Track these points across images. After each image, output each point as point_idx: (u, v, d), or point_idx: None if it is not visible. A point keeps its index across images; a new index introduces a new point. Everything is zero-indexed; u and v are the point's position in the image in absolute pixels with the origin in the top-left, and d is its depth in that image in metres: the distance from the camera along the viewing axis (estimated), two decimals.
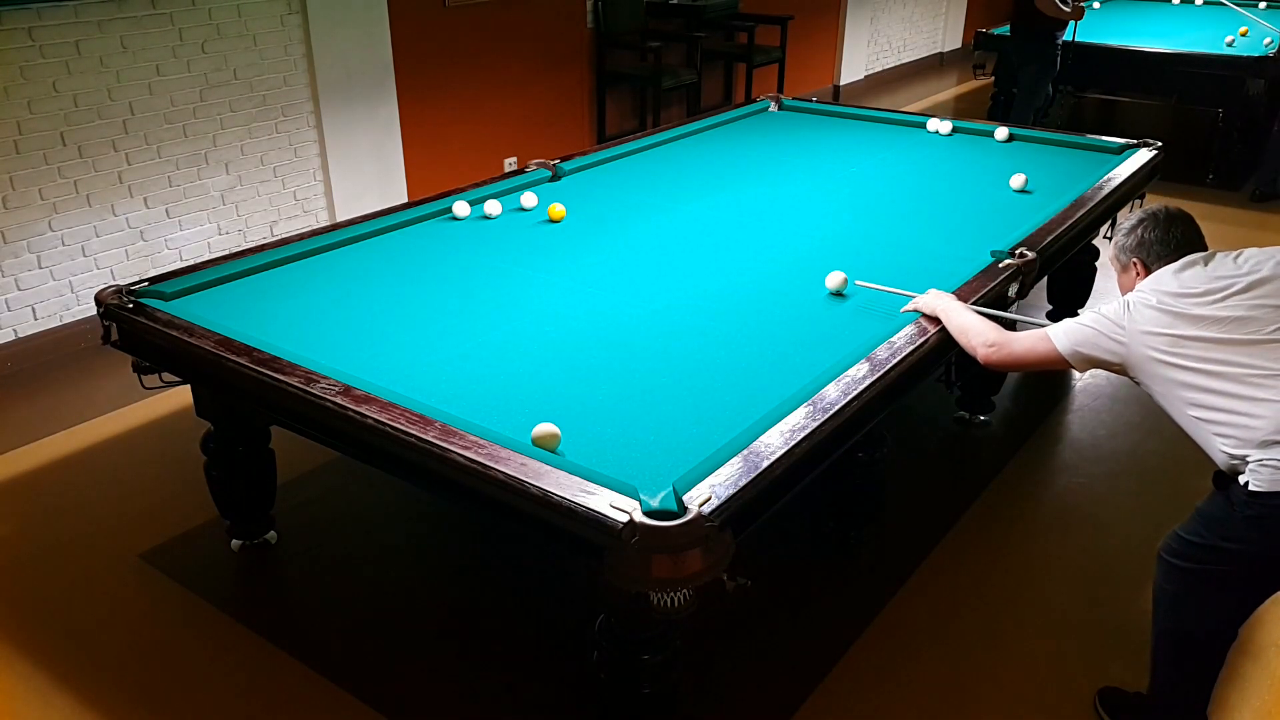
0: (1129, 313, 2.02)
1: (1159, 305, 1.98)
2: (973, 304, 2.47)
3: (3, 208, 3.74)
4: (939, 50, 9.87)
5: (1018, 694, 2.38)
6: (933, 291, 2.49)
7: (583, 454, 1.89)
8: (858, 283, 2.63)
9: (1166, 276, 2.04)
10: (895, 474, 2.71)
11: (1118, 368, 2.05)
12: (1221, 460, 1.91)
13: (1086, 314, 2.12)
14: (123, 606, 2.67)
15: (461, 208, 3.25)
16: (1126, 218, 2.24)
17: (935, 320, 2.40)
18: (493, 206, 3.27)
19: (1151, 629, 2.15)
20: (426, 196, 3.40)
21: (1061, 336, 2.12)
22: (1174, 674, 2.15)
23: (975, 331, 2.30)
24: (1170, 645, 2.12)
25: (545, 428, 1.89)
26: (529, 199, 3.33)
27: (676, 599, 1.64)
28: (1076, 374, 3.89)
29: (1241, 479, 1.86)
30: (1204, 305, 1.94)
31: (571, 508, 1.68)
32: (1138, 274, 2.14)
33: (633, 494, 1.69)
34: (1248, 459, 1.84)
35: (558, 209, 3.22)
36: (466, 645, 2.51)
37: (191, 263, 3.26)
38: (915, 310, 2.46)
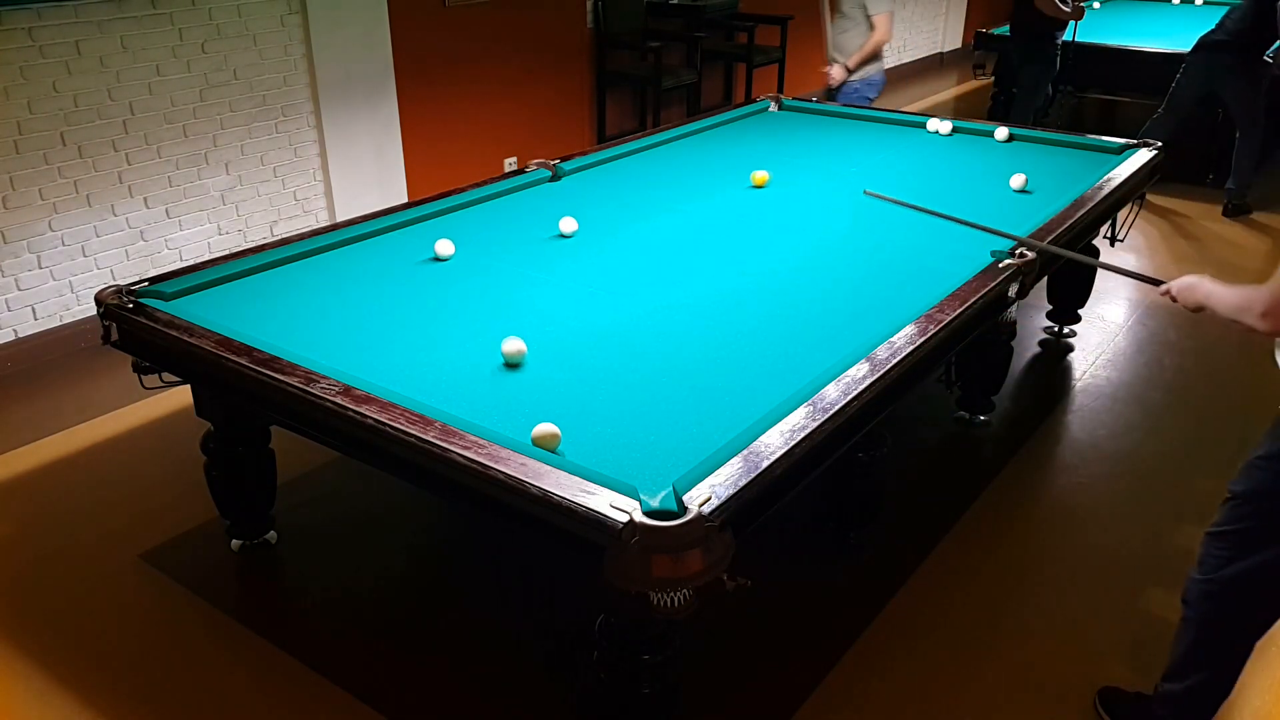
0: None
1: None
2: (972, 304, 2.46)
3: (3, 208, 3.75)
4: (939, 50, 9.87)
5: (1018, 694, 2.38)
6: (1190, 276, 2.10)
7: (583, 454, 1.89)
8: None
9: None
10: (895, 474, 2.71)
11: None
12: None
13: None
14: (123, 607, 2.67)
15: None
16: None
17: (939, 319, 2.35)
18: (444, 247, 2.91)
19: (1182, 632, 2.10)
20: (426, 196, 3.40)
21: None
22: (1205, 670, 2.09)
23: (1242, 307, 1.89)
24: (1209, 636, 2.05)
25: (545, 428, 1.89)
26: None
27: (676, 599, 1.64)
28: (1076, 374, 3.89)
29: None
30: None
31: (571, 508, 1.67)
32: None
33: (633, 494, 1.69)
34: None
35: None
36: (466, 645, 2.51)
37: (191, 263, 3.26)
38: (1169, 297, 2.15)
